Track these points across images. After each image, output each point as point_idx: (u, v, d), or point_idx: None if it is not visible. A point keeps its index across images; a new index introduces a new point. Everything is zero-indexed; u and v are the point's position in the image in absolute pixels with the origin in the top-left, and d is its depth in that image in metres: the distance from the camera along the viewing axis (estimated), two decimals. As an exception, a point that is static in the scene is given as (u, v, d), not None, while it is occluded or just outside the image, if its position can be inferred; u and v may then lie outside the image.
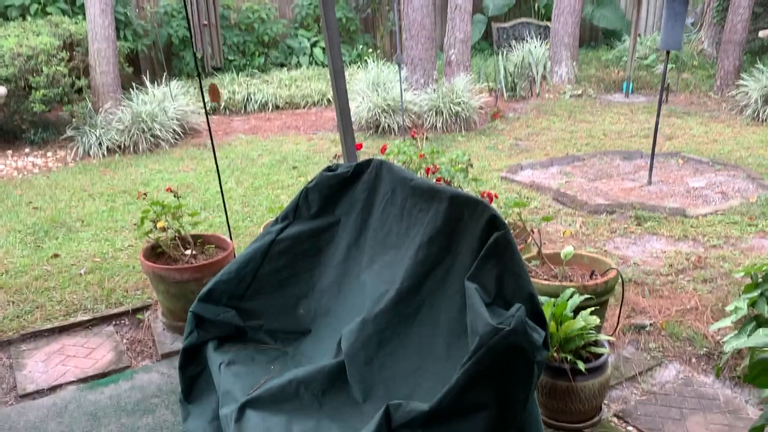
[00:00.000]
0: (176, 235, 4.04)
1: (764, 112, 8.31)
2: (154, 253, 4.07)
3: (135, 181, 7.17)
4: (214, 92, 3.58)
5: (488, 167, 7.10)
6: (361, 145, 4.73)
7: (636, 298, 4.04)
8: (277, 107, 10.40)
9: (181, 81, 10.84)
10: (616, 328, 3.63)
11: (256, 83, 10.85)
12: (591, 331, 2.94)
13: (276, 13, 12.34)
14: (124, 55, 10.40)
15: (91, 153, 8.10)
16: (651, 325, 3.77)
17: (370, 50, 12.34)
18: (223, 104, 10.09)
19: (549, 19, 12.00)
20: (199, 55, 3.53)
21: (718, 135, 7.96)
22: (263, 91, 10.45)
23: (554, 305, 2.97)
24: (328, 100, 10.45)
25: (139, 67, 11.03)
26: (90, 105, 8.55)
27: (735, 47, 9.48)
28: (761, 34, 9.26)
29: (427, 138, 7.02)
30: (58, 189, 6.93)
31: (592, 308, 3.06)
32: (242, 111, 10.25)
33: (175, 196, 4.10)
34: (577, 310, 3.02)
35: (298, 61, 12.12)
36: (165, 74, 10.19)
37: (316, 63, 12.19)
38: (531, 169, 6.94)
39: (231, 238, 4.32)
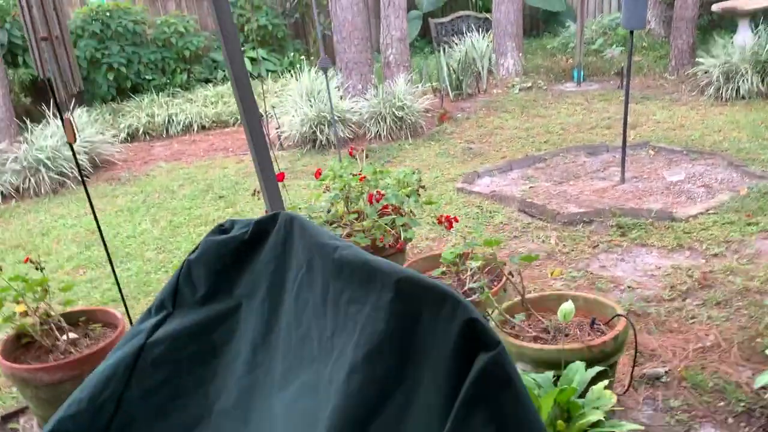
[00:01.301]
0: (45, 318, 3.06)
1: (727, 90, 7.73)
2: (19, 344, 3.08)
3: (32, 232, 6.08)
4: (69, 129, 2.63)
5: (441, 177, 6.28)
6: (282, 175, 3.84)
7: (641, 337, 3.24)
8: (204, 127, 9.36)
9: (92, 108, 9.72)
10: (627, 388, 2.83)
11: (178, 103, 9.80)
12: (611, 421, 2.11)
13: (196, 25, 11.29)
14: (23, 83, 9.21)
15: (-18, 201, 6.96)
16: (667, 373, 2.98)
17: (302, 57, 11.40)
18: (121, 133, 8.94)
19: (488, 11, 11.29)
20: (47, 77, 2.56)
21: (684, 119, 7.33)
22: (186, 111, 9.41)
23: (557, 386, 2.14)
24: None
25: (42, 95, 9.83)
26: (-23, 145, 7.40)
27: (687, 24, 8.91)
28: (715, 7, 8.73)
29: (367, 153, 6.18)
30: (-66, 250, 5.80)
31: (605, 382, 2.23)
32: (164, 135, 9.18)
33: (36, 268, 3.12)
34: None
35: (224, 76, 11.09)
36: (72, 102, 9.04)
37: (244, 75, 11.16)
38: (489, 177, 6.15)
39: (126, 310, 3.36)
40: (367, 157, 7.18)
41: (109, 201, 6.78)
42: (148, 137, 9.14)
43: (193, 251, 2.00)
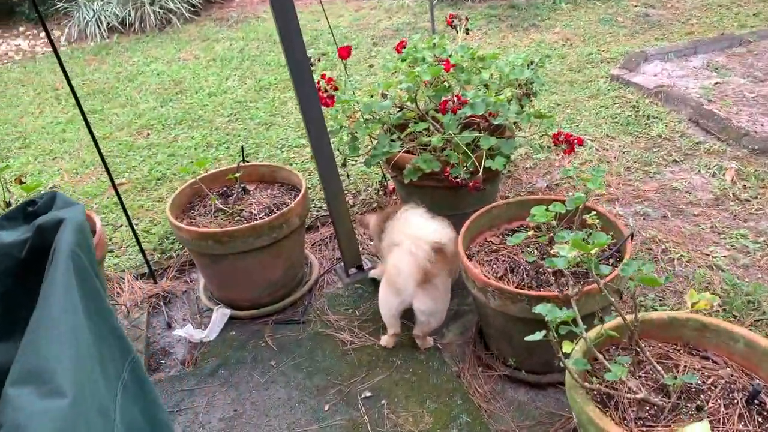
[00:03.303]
0: None
1: None
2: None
3: (119, 76, 5.57)
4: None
5: (595, 56, 4.78)
6: (348, 50, 2.76)
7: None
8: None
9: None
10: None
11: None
12: None
13: None
14: None
15: (88, 33, 6.53)
16: None
17: None
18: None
19: None
20: None
21: None
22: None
23: None
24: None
25: None
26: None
27: None
28: None
29: (502, 15, 4.76)
30: (24, 87, 5.51)
31: None
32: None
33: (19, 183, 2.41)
34: None
35: None
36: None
37: None
38: (660, 61, 4.55)
39: (130, 223, 2.65)
40: (500, 20, 5.73)
41: (207, 46, 6.06)
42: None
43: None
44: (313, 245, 3.03)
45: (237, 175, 2.63)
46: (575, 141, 2.57)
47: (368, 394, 2.20)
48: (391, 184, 3.22)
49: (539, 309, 1.50)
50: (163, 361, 2.52)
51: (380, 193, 3.26)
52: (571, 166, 3.36)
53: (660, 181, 3.18)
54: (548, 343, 2.08)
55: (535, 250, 2.15)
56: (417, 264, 2.08)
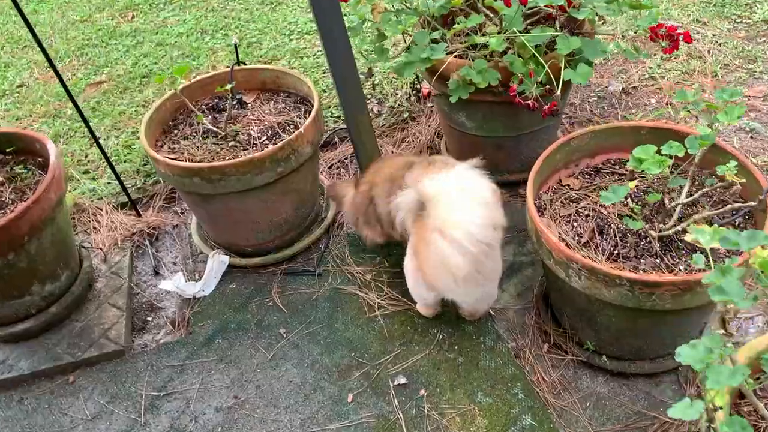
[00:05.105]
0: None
1: None
2: None
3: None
4: None
5: None
6: None
7: None
8: None
9: None
10: None
11: None
12: None
13: None
14: None
15: None
16: None
17: None
18: None
19: None
20: None
21: None
22: None
23: None
24: None
25: None
26: None
27: None
28: None
29: None
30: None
31: None
32: None
33: None
34: None
35: None
36: None
37: None
38: None
39: (101, 148, 2.08)
40: None
41: None
42: None
43: None
44: (329, 168, 2.46)
45: (230, 86, 2.01)
46: (680, 37, 1.89)
47: (402, 380, 1.73)
48: (426, 87, 2.59)
49: (683, 355, 0.94)
50: (149, 318, 2.06)
51: (412, 98, 2.63)
52: (653, 63, 2.67)
53: (768, 83, 2.51)
54: (644, 329, 1.55)
55: (638, 206, 1.56)
56: (473, 262, 1.43)
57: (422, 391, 1.69)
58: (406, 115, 2.58)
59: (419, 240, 1.50)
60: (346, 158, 2.49)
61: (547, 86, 1.70)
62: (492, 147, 2.16)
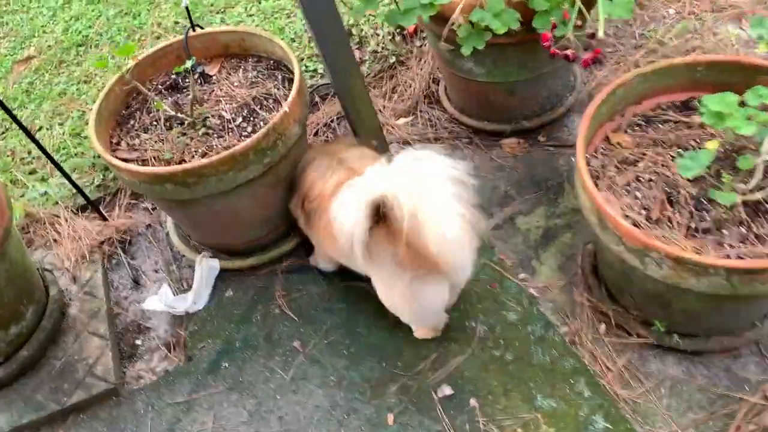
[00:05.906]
0: None
1: None
2: None
3: None
4: None
5: None
6: None
7: None
8: None
9: None
10: None
11: None
12: None
13: None
14: None
15: None
16: None
17: None
18: None
19: None
20: None
21: None
22: None
23: None
24: None
25: None
26: None
27: None
28: None
29: None
30: None
31: None
32: None
33: None
34: None
35: None
36: None
37: None
38: None
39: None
40: None
41: None
42: None
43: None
44: (314, 135, 2.14)
45: (190, 63, 1.65)
46: None
47: (447, 391, 1.50)
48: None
49: None
50: (138, 342, 1.79)
51: (397, 38, 2.28)
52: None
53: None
54: (730, 310, 1.33)
55: (727, 173, 1.29)
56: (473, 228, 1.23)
57: (473, 402, 1.47)
58: (393, 59, 2.24)
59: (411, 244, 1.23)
60: (332, 120, 2.16)
61: (589, 30, 1.38)
62: (504, 92, 1.86)
